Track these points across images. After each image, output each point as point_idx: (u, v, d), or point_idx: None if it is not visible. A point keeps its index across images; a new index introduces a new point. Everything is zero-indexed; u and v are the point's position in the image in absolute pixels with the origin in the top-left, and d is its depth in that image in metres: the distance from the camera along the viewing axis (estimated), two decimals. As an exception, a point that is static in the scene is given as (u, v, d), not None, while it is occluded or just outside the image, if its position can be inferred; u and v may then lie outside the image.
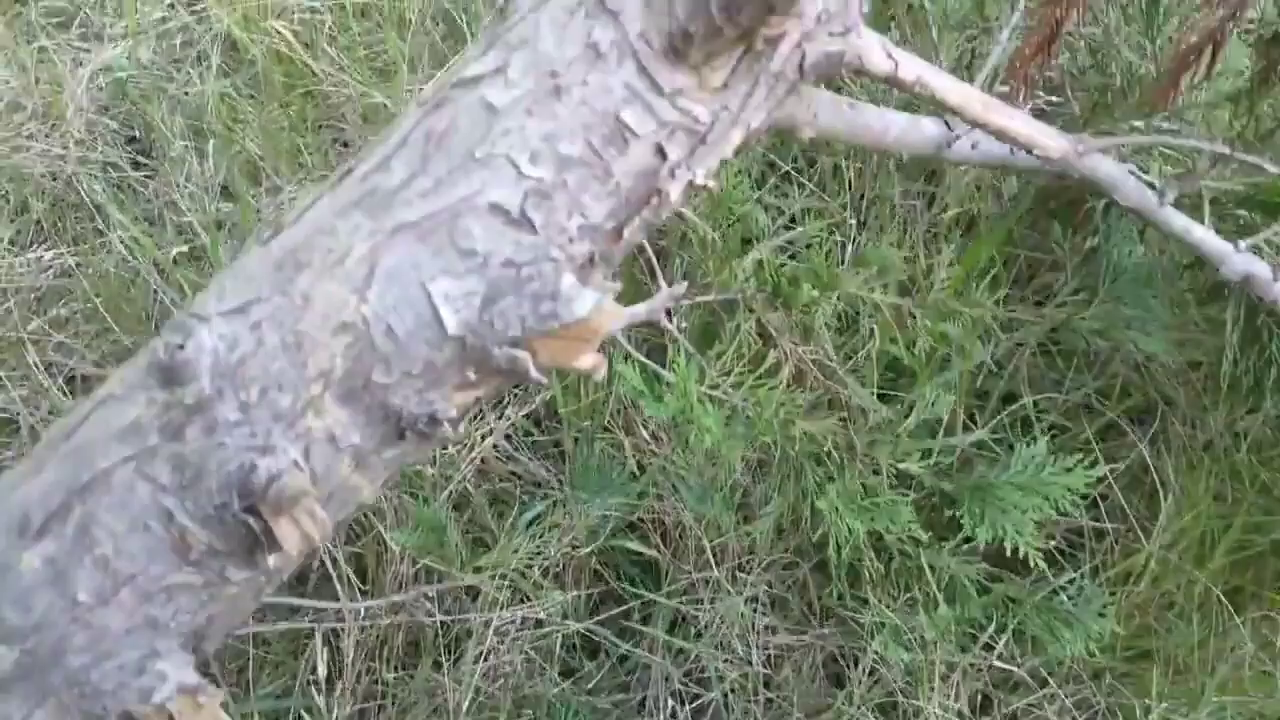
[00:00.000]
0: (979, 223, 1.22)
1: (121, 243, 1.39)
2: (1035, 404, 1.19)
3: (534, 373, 0.54)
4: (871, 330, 1.07)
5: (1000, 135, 0.65)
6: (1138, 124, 0.84)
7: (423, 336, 0.54)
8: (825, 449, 0.92)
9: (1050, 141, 0.65)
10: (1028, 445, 0.88)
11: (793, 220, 1.25)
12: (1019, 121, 0.64)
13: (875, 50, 0.60)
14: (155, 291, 1.38)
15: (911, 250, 1.06)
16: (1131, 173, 0.70)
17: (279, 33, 1.56)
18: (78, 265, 1.41)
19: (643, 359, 0.97)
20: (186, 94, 1.63)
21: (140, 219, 1.47)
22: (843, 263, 1.07)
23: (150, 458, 0.53)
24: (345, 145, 1.54)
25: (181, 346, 0.52)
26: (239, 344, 0.53)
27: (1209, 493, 1.17)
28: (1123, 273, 0.97)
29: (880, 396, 1.14)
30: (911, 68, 0.61)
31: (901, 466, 0.91)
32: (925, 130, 0.76)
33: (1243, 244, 0.76)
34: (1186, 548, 1.16)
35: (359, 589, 1.12)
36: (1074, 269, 1.18)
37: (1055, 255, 1.19)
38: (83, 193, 1.51)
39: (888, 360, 1.14)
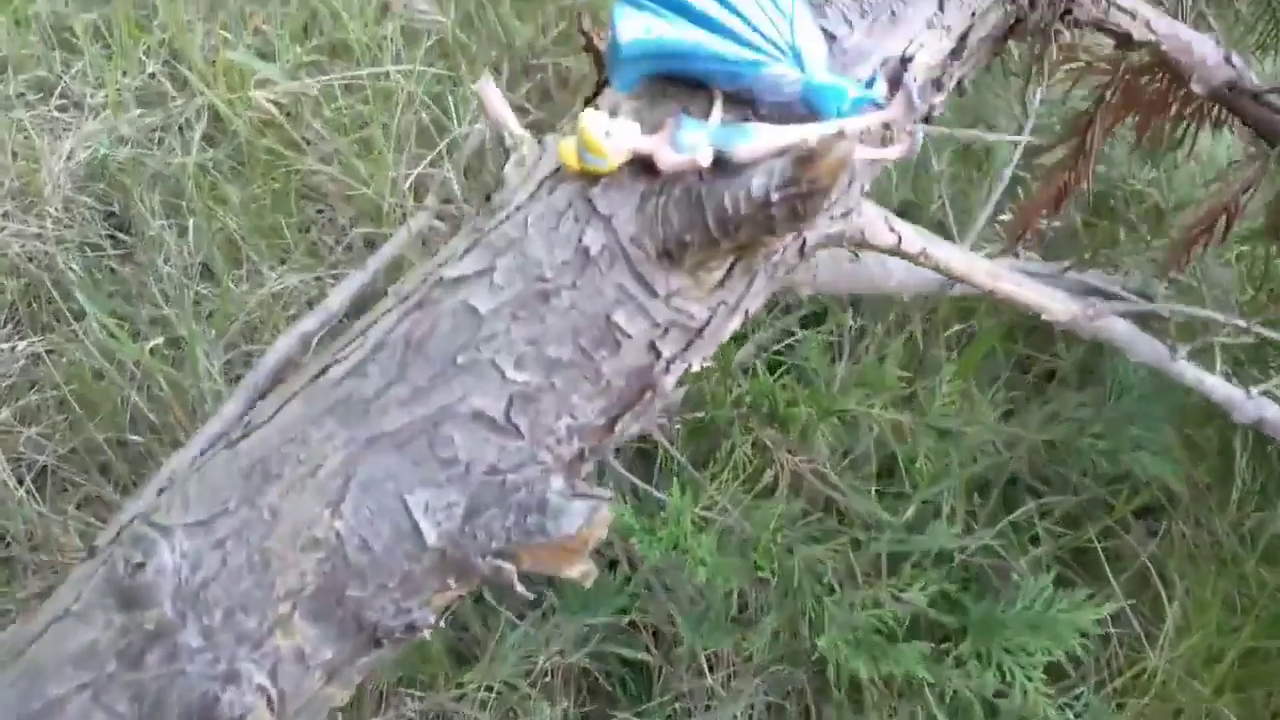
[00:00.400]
0: (977, 317, 1.20)
1: (96, 331, 1.35)
2: (1039, 505, 1.16)
3: (519, 586, 0.51)
4: (870, 431, 1.04)
5: (1008, 301, 0.62)
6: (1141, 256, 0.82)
7: (400, 549, 0.50)
8: (824, 577, 0.89)
9: (1058, 307, 0.63)
10: (1035, 576, 0.84)
11: (786, 309, 1.23)
12: (1026, 289, 0.62)
13: (878, 225, 0.57)
14: (130, 382, 1.33)
15: (910, 356, 1.03)
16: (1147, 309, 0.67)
17: (263, 104, 1.53)
18: (49, 353, 1.37)
19: (634, 479, 0.94)
20: (168, 165, 1.59)
21: (118, 297, 1.43)
22: (838, 358, 1.04)
23: (108, 686, 0.49)
24: (331, 221, 1.51)
25: (142, 564, 0.49)
26: (203, 563, 0.49)
27: (1217, 597, 1.14)
28: (1128, 388, 0.94)
29: (879, 493, 1.11)
30: (915, 240, 0.58)
31: (904, 596, 0.87)
32: (926, 274, 0.73)
33: (1254, 390, 0.74)
34: (1194, 657, 1.13)
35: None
36: (1075, 364, 1.16)
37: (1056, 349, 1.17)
38: (59, 274, 1.47)
39: (887, 452, 1.11)
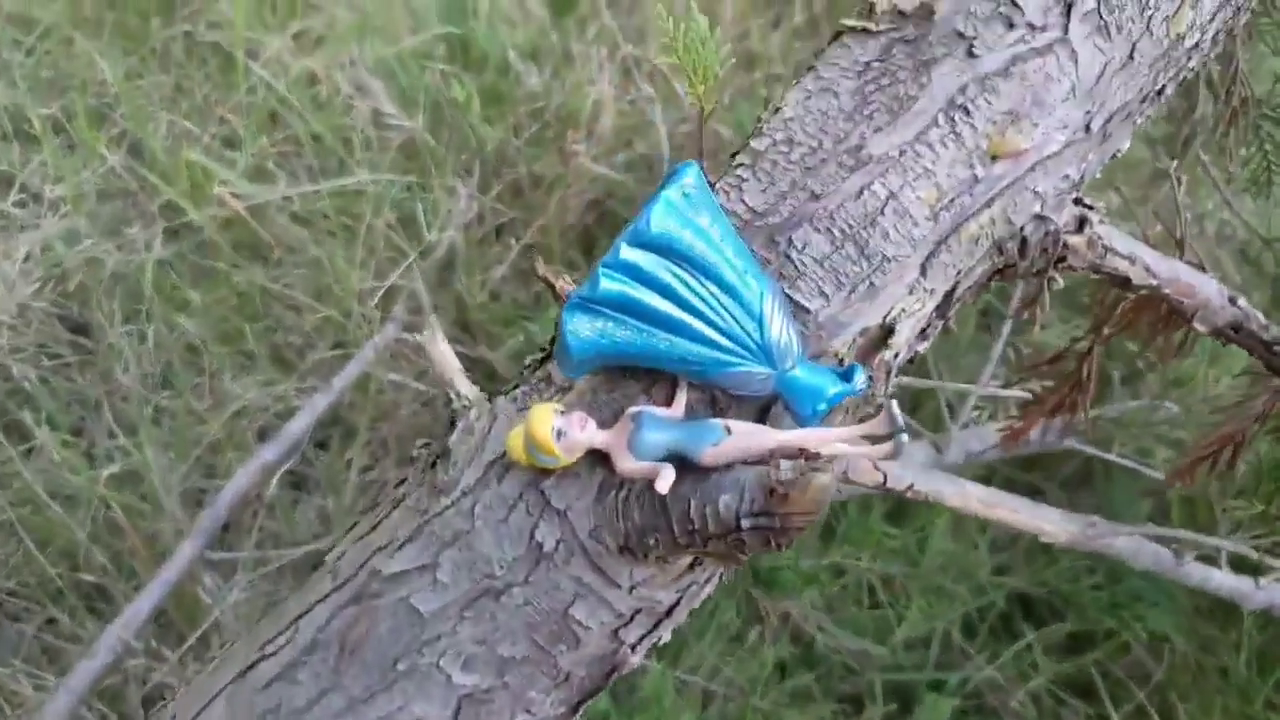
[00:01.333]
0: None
1: (46, 451, 1.29)
2: (1039, 634, 1.12)
3: None
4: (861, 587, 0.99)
5: (1005, 526, 0.57)
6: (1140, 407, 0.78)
7: None
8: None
9: (1056, 529, 0.58)
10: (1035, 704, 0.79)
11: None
12: (1023, 514, 0.57)
13: (860, 464, 0.53)
14: (86, 509, 1.28)
15: (897, 505, 0.99)
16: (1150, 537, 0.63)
17: (227, 200, 1.48)
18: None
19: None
20: (129, 262, 1.54)
21: (75, 408, 1.38)
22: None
23: None
24: (296, 328, 1.46)
25: None
26: None
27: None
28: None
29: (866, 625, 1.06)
30: (900, 475, 0.54)
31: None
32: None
33: (1263, 581, 0.70)
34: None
35: None
36: (1060, 484, 1.11)
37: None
38: (15, 385, 1.41)
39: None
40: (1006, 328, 0.76)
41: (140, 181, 1.61)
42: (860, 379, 0.41)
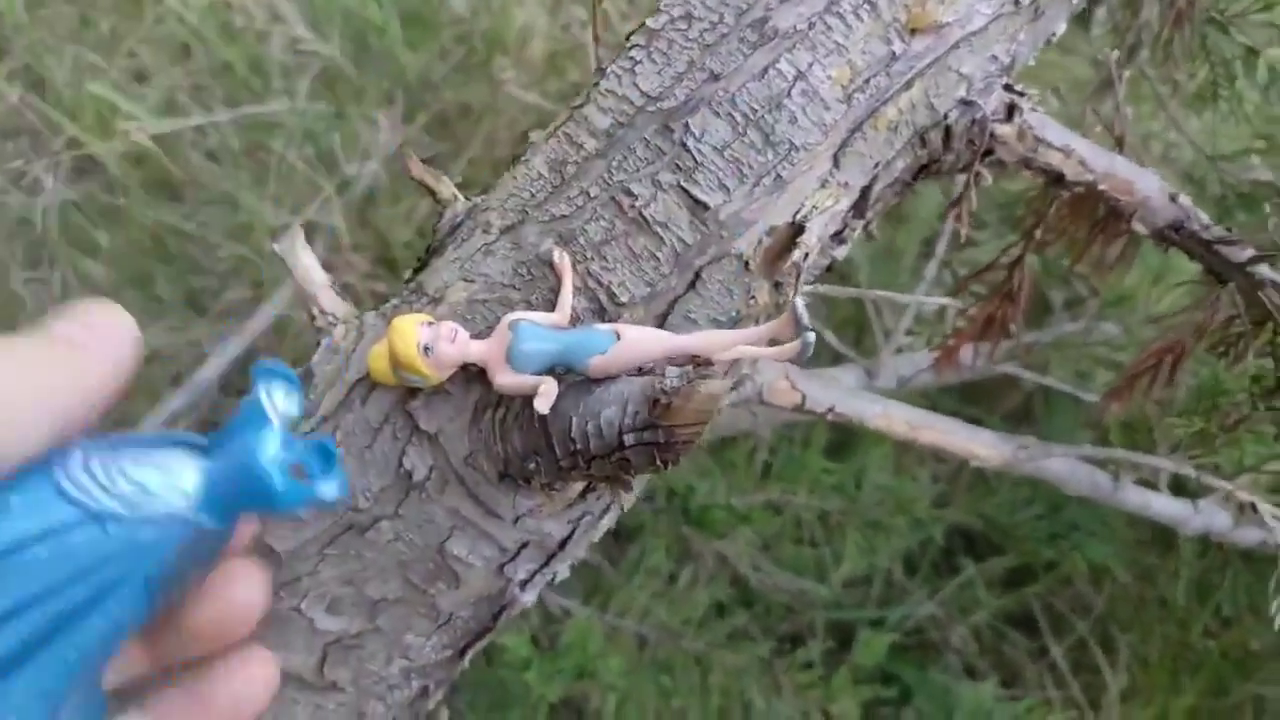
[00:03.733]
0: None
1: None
2: (980, 569, 1.10)
3: None
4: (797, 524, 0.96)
5: (934, 450, 0.54)
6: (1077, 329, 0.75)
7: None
8: (745, 693, 0.81)
9: (989, 452, 0.55)
10: (977, 641, 0.77)
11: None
12: (953, 437, 0.54)
13: (779, 385, 0.49)
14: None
15: (837, 439, 0.95)
16: (1085, 458, 0.60)
17: (135, 139, 1.39)
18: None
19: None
20: (32, 205, 1.44)
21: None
22: (759, 448, 0.96)
23: None
24: (210, 270, 1.38)
25: None
26: None
27: (1163, 664, 1.09)
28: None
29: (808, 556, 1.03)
30: (821, 396, 0.49)
31: (834, 710, 0.80)
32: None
33: (1201, 503, 0.67)
34: (1139, 721, 1.08)
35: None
36: (1003, 418, 1.09)
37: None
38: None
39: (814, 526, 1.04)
40: (942, 245, 0.72)
41: (42, 118, 1.51)
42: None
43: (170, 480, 0.30)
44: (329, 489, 0.32)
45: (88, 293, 1.34)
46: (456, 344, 0.36)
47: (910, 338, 0.77)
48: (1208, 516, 0.68)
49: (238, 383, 1.25)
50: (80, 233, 1.37)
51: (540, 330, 0.36)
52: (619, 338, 0.36)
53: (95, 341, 0.29)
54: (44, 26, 1.58)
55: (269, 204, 1.28)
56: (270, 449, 0.31)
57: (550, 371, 0.36)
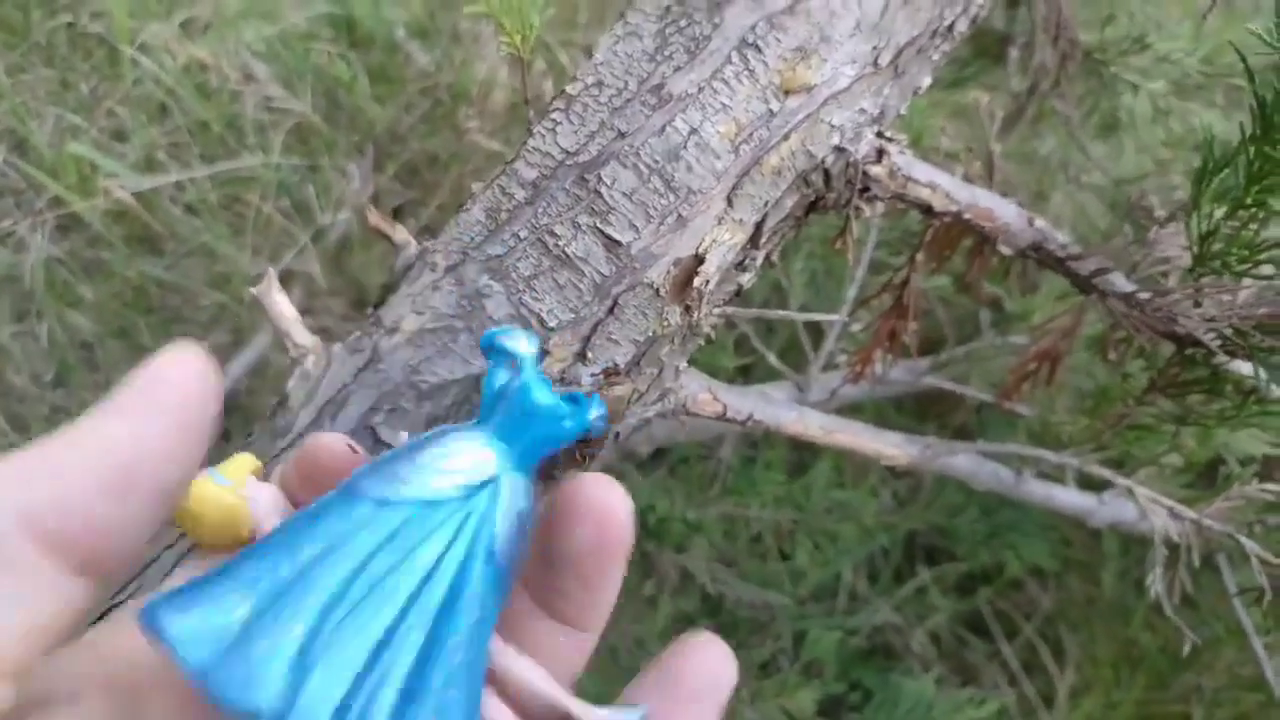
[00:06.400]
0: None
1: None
2: (932, 574, 1.16)
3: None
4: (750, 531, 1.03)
5: (847, 453, 0.60)
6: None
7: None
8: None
9: (896, 451, 0.61)
10: (935, 644, 0.83)
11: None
12: (864, 438, 0.60)
13: (701, 396, 0.55)
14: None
15: (790, 454, 1.02)
16: (985, 454, 0.67)
17: (117, 194, 1.45)
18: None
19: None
20: (17, 262, 1.50)
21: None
22: (711, 460, 1.02)
23: None
24: (184, 321, 1.44)
25: None
26: None
27: (1109, 656, 1.15)
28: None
29: (770, 576, 1.09)
30: (739, 404, 0.56)
31: (791, 708, 0.86)
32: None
33: (1106, 496, 0.74)
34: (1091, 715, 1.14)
35: None
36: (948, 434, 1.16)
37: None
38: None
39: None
40: (861, 270, 0.79)
41: (26, 178, 1.57)
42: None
43: (469, 454, 0.30)
44: (599, 409, 0.34)
45: (72, 345, 1.39)
46: (258, 502, 0.33)
47: (844, 355, 0.84)
48: (1114, 509, 0.74)
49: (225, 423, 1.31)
50: (65, 287, 1.43)
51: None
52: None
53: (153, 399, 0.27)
54: (25, 90, 1.64)
55: (247, 254, 1.34)
56: (539, 387, 0.32)
57: None
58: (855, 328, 0.78)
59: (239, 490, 0.32)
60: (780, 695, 0.89)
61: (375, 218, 0.49)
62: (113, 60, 1.66)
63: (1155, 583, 0.57)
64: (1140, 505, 0.64)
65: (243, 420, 1.34)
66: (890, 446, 0.61)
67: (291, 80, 1.44)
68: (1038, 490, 0.70)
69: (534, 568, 0.33)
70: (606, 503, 0.32)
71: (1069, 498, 0.72)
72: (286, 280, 1.35)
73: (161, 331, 1.39)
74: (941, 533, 1.10)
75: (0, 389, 1.38)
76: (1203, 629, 1.06)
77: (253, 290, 0.50)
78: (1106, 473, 0.63)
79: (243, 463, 0.34)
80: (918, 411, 1.21)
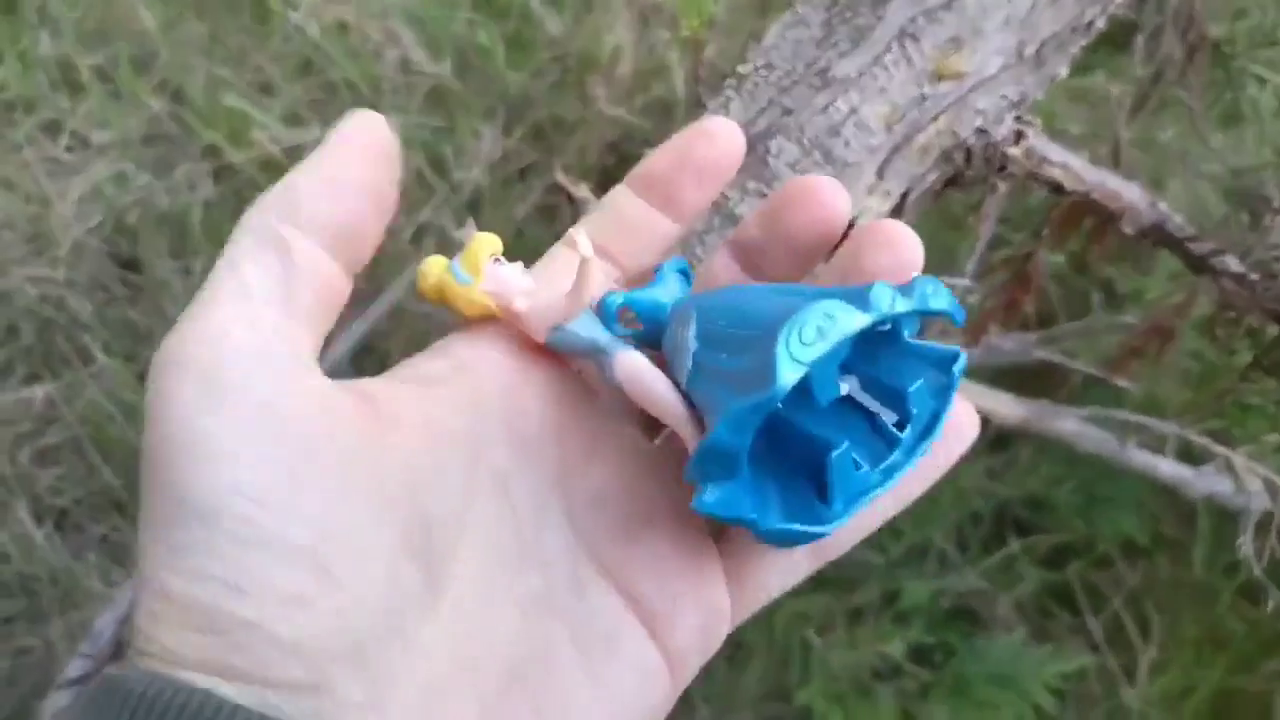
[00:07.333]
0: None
1: (107, 375, 1.40)
2: (1022, 544, 1.20)
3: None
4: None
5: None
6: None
7: None
8: (806, 629, 0.94)
9: (1008, 410, 0.67)
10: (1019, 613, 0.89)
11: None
12: (976, 395, 0.66)
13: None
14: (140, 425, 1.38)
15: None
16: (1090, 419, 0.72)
17: (264, 145, 1.57)
18: (65, 398, 1.42)
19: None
20: (177, 203, 1.64)
21: (127, 337, 1.49)
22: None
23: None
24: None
25: None
26: None
27: (1192, 634, 1.18)
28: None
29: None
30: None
31: (885, 651, 0.92)
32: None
33: (1204, 468, 0.78)
34: (1169, 695, 1.17)
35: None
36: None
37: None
38: (71, 315, 1.53)
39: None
40: (981, 245, 0.84)
41: (183, 126, 1.70)
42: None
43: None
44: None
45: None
46: (522, 283, 0.32)
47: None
48: (1210, 481, 0.78)
49: (357, 364, 1.42)
50: (219, 229, 1.56)
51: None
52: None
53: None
54: (180, 43, 1.77)
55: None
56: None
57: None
58: (971, 298, 0.83)
59: (480, 286, 0.32)
60: (874, 641, 0.95)
61: (563, 177, 0.57)
62: (261, 17, 1.78)
63: (1245, 544, 0.62)
64: (1238, 476, 0.68)
65: (377, 361, 1.45)
66: (1002, 405, 0.66)
67: (432, 44, 1.53)
68: (1139, 458, 0.75)
69: None
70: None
71: (1169, 468, 0.76)
72: (419, 233, 1.45)
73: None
74: (1035, 505, 1.14)
75: (161, 321, 1.52)
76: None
77: (458, 233, 0.58)
78: (1207, 440, 0.68)
79: (482, 245, 0.33)
80: (1018, 385, 1.25)
